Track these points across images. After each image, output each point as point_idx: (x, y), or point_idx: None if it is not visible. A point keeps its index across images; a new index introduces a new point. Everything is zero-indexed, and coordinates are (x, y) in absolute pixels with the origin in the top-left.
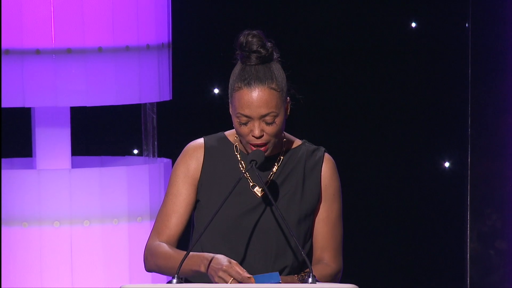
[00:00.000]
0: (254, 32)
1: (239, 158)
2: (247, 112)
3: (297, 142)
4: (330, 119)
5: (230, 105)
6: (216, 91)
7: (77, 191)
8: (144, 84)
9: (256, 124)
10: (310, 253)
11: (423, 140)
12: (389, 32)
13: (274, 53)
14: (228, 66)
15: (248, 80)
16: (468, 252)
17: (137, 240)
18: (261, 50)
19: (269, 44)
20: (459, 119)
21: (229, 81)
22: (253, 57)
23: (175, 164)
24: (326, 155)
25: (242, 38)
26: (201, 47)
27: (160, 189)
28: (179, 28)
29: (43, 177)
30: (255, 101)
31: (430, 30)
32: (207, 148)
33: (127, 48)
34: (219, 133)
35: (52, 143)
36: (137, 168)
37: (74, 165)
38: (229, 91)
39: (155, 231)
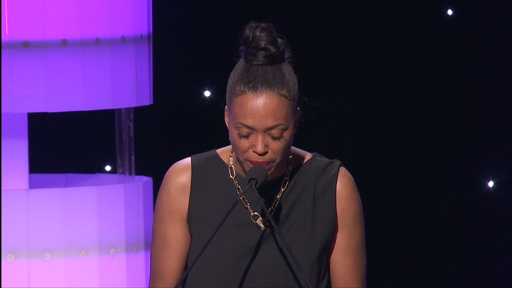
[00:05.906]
0: (263, 25)
1: (236, 183)
2: (250, 122)
3: (307, 156)
4: (353, 129)
5: (226, 113)
6: (207, 93)
7: (37, 217)
8: (118, 86)
9: (260, 138)
10: None
11: (462, 155)
12: (420, 22)
13: (286, 52)
14: (222, 64)
15: (254, 83)
16: None
17: (110, 277)
18: (270, 47)
19: (280, 40)
20: (504, 129)
21: (226, 83)
22: (261, 55)
23: (158, 193)
24: (342, 170)
25: (248, 32)
26: (189, 40)
27: (139, 214)
28: (162, 16)
29: None
30: (261, 110)
31: (470, 19)
32: (195, 170)
33: (98, 41)
34: (211, 151)
35: (6, 157)
36: (110, 188)
37: (32, 185)
38: (228, 95)
39: (152, 285)
